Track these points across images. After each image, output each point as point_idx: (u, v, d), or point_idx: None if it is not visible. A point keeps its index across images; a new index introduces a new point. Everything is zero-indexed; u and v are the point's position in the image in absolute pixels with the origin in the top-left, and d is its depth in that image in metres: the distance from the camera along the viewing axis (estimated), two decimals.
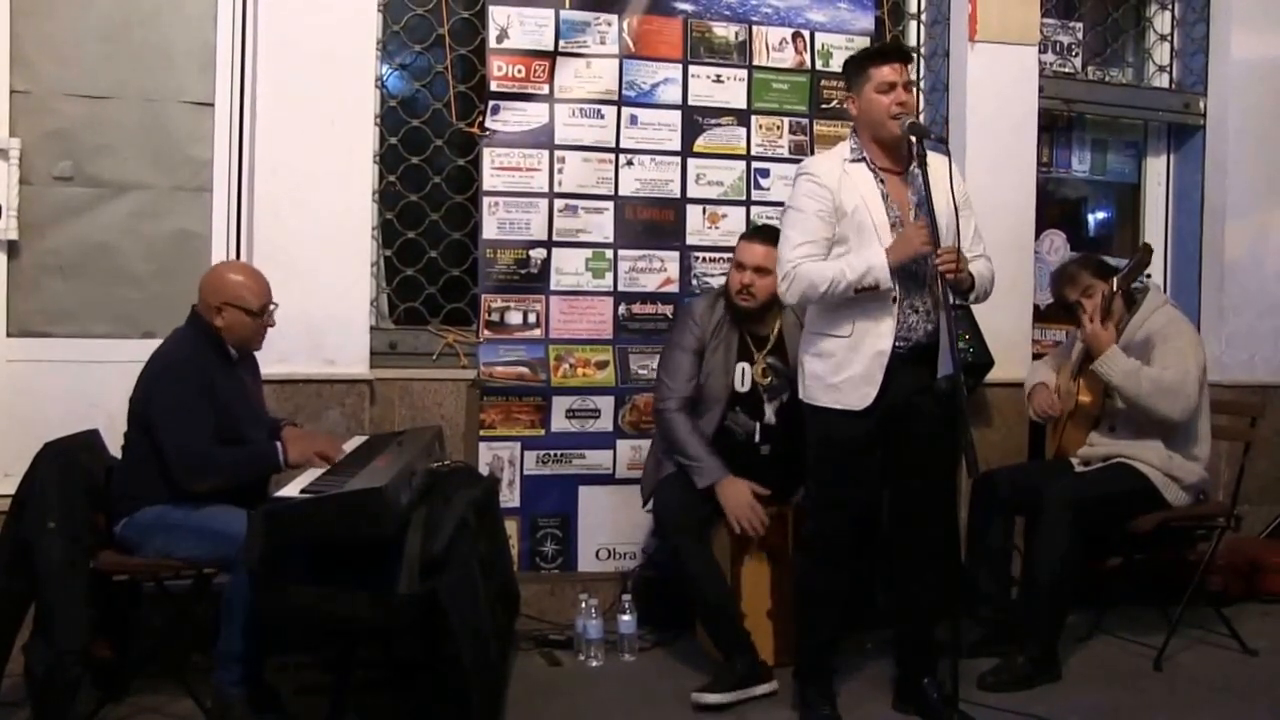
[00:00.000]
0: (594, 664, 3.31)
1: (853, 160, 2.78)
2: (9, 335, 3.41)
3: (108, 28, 3.49)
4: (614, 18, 3.76)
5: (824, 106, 4.00)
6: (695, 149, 3.86)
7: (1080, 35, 4.58)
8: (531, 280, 3.71)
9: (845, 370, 2.72)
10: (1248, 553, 4.07)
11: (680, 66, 3.84)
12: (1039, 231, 4.37)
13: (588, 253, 3.77)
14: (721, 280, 3.49)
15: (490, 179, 3.68)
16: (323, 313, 3.46)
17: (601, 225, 3.78)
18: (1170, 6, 4.69)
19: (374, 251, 3.70)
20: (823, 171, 2.76)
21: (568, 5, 3.70)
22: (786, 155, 3.94)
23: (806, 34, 3.97)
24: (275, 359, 3.38)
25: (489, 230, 3.68)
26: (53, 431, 2.85)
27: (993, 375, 3.96)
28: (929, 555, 2.86)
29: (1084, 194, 4.81)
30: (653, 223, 3.83)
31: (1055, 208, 4.66)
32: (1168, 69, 4.72)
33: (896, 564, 2.92)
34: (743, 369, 3.30)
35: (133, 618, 2.93)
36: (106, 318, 3.50)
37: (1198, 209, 4.64)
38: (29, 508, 2.66)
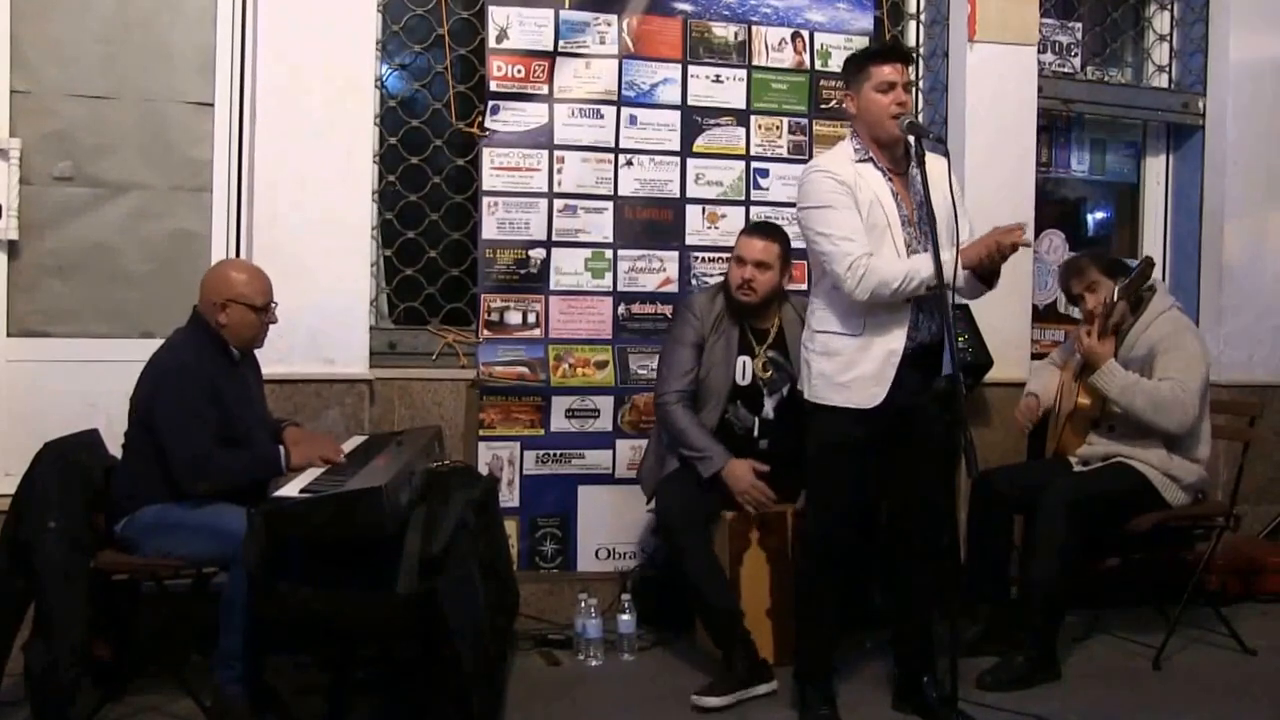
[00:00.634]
0: (593, 664, 3.31)
1: (859, 160, 2.77)
2: (9, 335, 3.41)
3: (108, 28, 3.49)
4: (613, 18, 3.76)
5: (823, 106, 4.00)
6: (694, 149, 3.87)
7: (1079, 35, 4.58)
8: (531, 280, 3.72)
9: (855, 369, 2.71)
10: (1246, 552, 4.07)
11: (679, 66, 3.84)
12: (1038, 231, 4.38)
13: (587, 253, 3.77)
14: (721, 279, 3.49)
15: (490, 179, 3.68)
16: (322, 312, 3.47)
17: (601, 225, 3.78)
18: (1169, 6, 4.70)
19: (374, 251, 3.70)
20: (836, 170, 2.74)
21: (567, 5, 3.71)
22: (786, 155, 3.95)
23: (806, 34, 3.98)
24: (275, 359, 3.38)
25: (488, 230, 3.69)
26: (53, 431, 2.85)
27: (991, 375, 3.96)
28: (928, 555, 2.86)
29: (1083, 194, 4.81)
30: (652, 223, 3.84)
31: (1054, 208, 4.66)
32: (1167, 69, 4.72)
33: (896, 564, 2.92)
34: (743, 363, 3.31)
35: (132, 617, 2.93)
36: (106, 318, 3.50)
37: (1196, 209, 4.65)
38: (29, 507, 2.67)
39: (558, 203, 3.73)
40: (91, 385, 3.37)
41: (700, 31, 3.87)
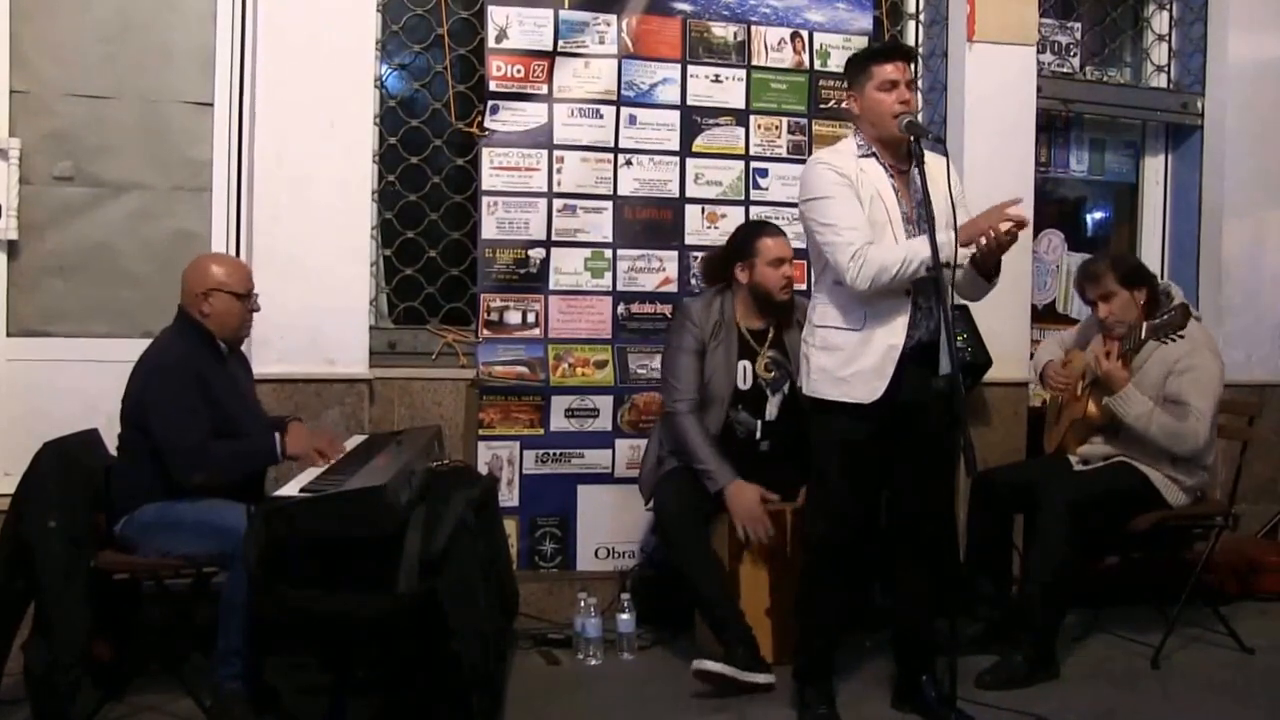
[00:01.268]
0: (593, 663, 3.31)
1: (862, 155, 2.77)
2: (9, 335, 3.42)
3: (108, 28, 3.49)
4: (613, 18, 3.76)
5: (822, 106, 4.01)
6: (694, 149, 3.87)
7: (1078, 35, 4.59)
8: (530, 280, 3.72)
9: (855, 364, 2.71)
10: (1245, 552, 4.08)
11: (679, 66, 3.85)
12: (1037, 231, 4.38)
13: (586, 252, 3.78)
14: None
15: (489, 179, 3.68)
16: (322, 312, 3.47)
17: (600, 225, 3.78)
18: (1168, 7, 4.70)
19: (373, 251, 3.70)
20: (838, 163, 2.74)
21: (567, 5, 3.71)
22: (785, 155, 3.95)
23: (805, 34, 3.98)
24: (274, 358, 3.39)
25: (488, 230, 3.69)
26: (52, 431, 2.86)
27: (991, 375, 3.96)
28: (928, 554, 2.86)
29: (1082, 194, 4.82)
30: (651, 222, 3.84)
31: (1053, 207, 4.66)
32: (1165, 69, 4.72)
33: (895, 563, 2.92)
34: (744, 367, 3.31)
35: (132, 617, 2.93)
36: (106, 317, 3.50)
37: (1195, 209, 4.65)
38: (29, 507, 2.67)
39: (557, 202, 3.73)
40: (91, 385, 3.36)
41: (699, 31, 3.87)
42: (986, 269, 2.73)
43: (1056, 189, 4.72)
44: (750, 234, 3.37)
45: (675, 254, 3.86)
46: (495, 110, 3.68)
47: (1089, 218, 4.86)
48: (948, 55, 4.23)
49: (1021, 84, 4.18)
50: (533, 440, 3.68)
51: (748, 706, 2.96)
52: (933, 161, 2.73)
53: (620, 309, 3.81)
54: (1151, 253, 4.73)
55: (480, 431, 3.63)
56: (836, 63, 3.87)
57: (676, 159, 3.85)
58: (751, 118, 3.93)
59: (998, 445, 4.01)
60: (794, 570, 3.12)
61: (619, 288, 3.80)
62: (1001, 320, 4.00)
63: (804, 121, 3.99)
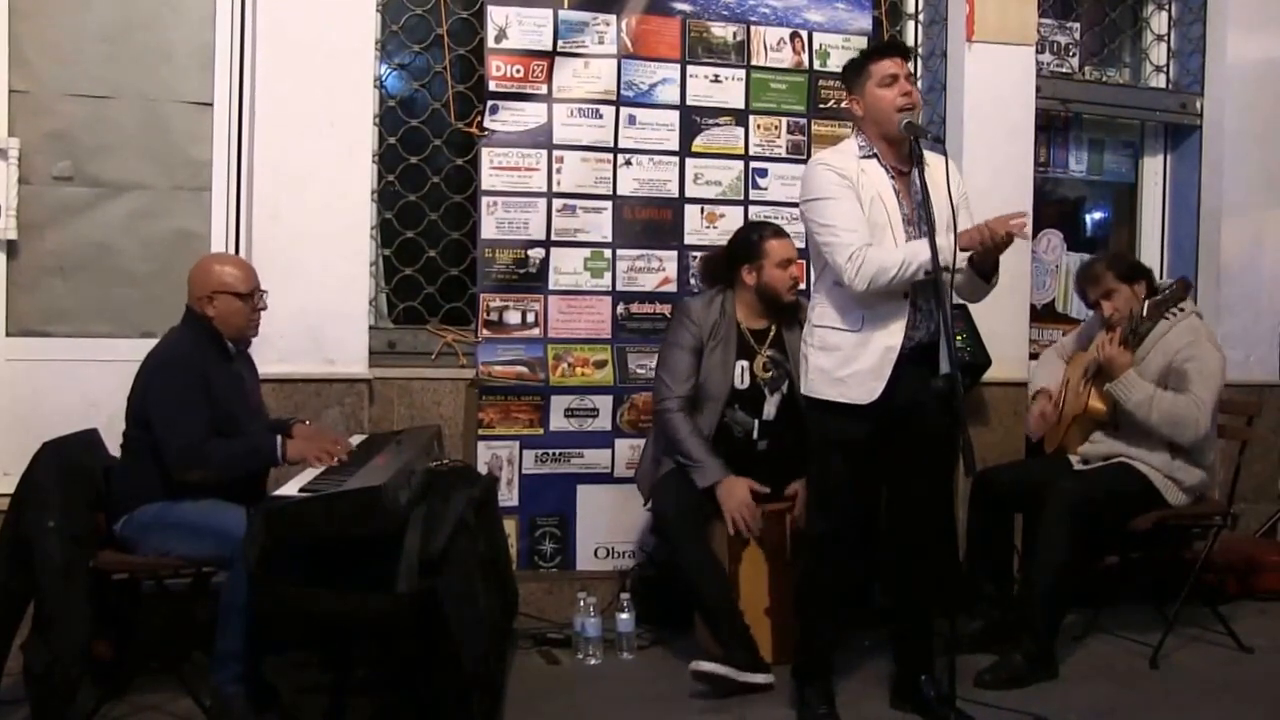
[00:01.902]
0: (592, 662, 3.31)
1: (863, 157, 2.76)
2: (8, 335, 3.42)
3: (107, 28, 3.49)
4: (612, 18, 3.76)
5: (822, 106, 4.01)
6: (693, 149, 3.87)
7: (1077, 35, 4.59)
8: (530, 280, 3.72)
9: (853, 364, 2.71)
10: (1244, 551, 4.08)
11: (678, 66, 3.85)
12: (1036, 231, 4.38)
13: (586, 252, 3.78)
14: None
15: (489, 179, 3.68)
16: (322, 312, 3.47)
17: (600, 225, 3.79)
18: (1167, 7, 4.70)
19: (373, 251, 3.71)
20: (839, 164, 2.74)
21: (566, 5, 3.71)
22: (784, 155, 3.96)
23: (804, 34, 3.98)
24: (275, 358, 3.39)
25: (487, 230, 3.69)
26: (52, 431, 2.86)
27: (990, 375, 3.97)
28: (927, 553, 2.86)
29: (1081, 194, 4.82)
30: (651, 222, 3.84)
31: (1052, 207, 4.67)
32: (1164, 69, 4.73)
33: (895, 562, 2.92)
34: (742, 367, 3.31)
35: (132, 616, 2.93)
36: (106, 317, 3.50)
37: (1194, 209, 4.65)
38: (28, 507, 2.67)
39: (557, 202, 3.73)
40: (91, 385, 3.37)
41: (699, 31, 3.87)
42: (983, 269, 2.73)
43: (1056, 189, 4.72)
44: (757, 236, 3.35)
45: (675, 254, 3.86)
46: (495, 110, 3.68)
47: (1088, 218, 4.86)
48: (947, 55, 4.24)
49: (1021, 84, 4.19)
50: (532, 440, 3.68)
51: (747, 706, 2.96)
52: (934, 162, 2.73)
53: (620, 309, 3.81)
54: (1150, 253, 4.73)
55: (480, 431, 3.63)
56: (836, 63, 3.87)
57: (676, 159, 3.86)
58: (751, 118, 3.93)
59: (997, 445, 4.02)
60: (793, 570, 3.13)
61: (618, 288, 3.81)
62: (1001, 320, 4.00)
63: (803, 121, 3.99)
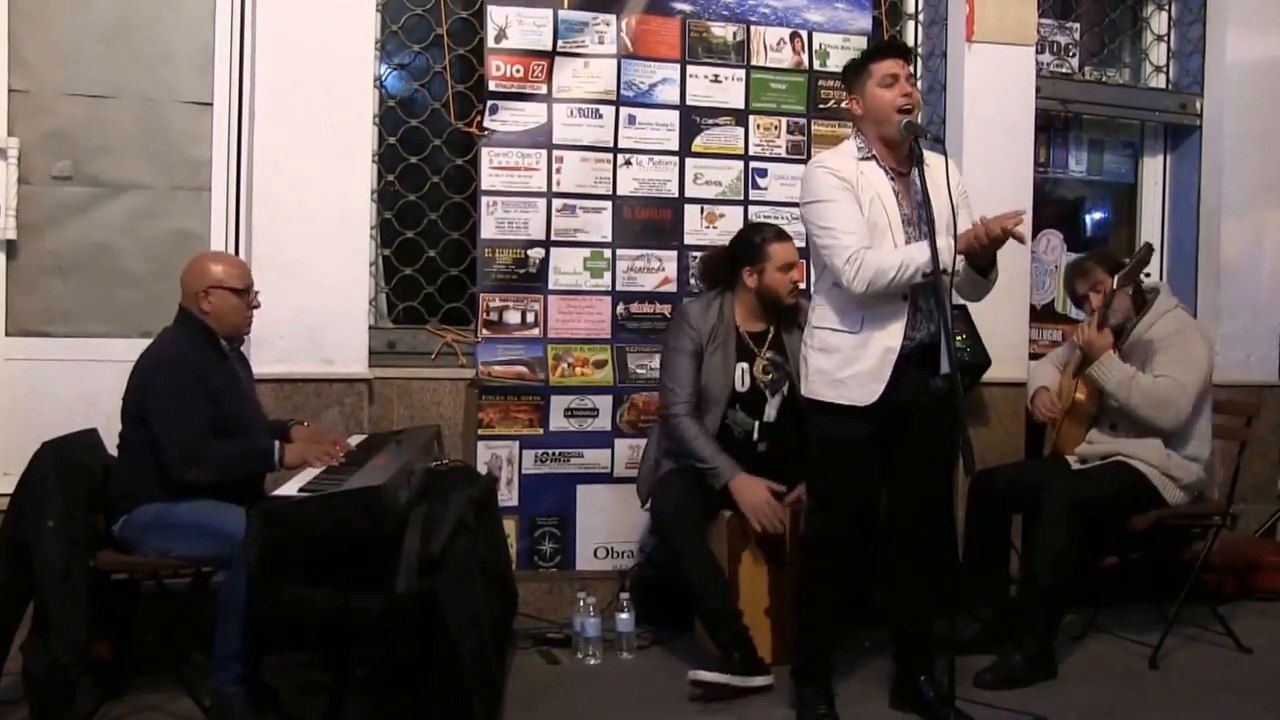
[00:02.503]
0: (592, 662, 3.31)
1: (862, 158, 2.76)
2: (8, 335, 3.42)
3: (107, 28, 3.49)
4: (612, 18, 3.76)
5: (821, 106, 4.01)
6: (693, 149, 3.87)
7: (1077, 36, 4.59)
8: (530, 280, 3.72)
9: (853, 366, 2.71)
10: (1243, 551, 4.09)
11: (678, 66, 3.85)
12: (1036, 231, 4.38)
13: (586, 252, 3.78)
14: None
15: (489, 179, 3.68)
16: (321, 312, 3.47)
17: (600, 225, 3.79)
18: (1167, 7, 4.70)
19: (373, 251, 3.71)
20: (838, 166, 2.74)
21: (566, 5, 3.71)
22: (784, 155, 3.96)
23: (804, 34, 3.98)
24: (274, 358, 3.39)
25: (487, 230, 3.69)
26: (52, 431, 2.86)
27: (990, 375, 3.97)
28: (927, 554, 2.86)
29: (1081, 194, 4.82)
30: (651, 222, 3.84)
31: (1052, 208, 4.67)
32: (1164, 69, 4.73)
33: (894, 562, 2.92)
34: (742, 369, 3.31)
35: (132, 617, 2.93)
36: (105, 317, 3.50)
37: (1194, 209, 4.65)
38: (28, 507, 2.67)
39: (556, 202, 3.73)
40: (91, 385, 3.37)
41: (699, 31, 3.87)
42: (979, 265, 2.73)
43: (1055, 189, 4.72)
44: (759, 238, 3.33)
45: (674, 254, 3.86)
46: (494, 110, 3.68)
47: (1088, 218, 4.86)
48: (947, 55, 4.24)
49: (1020, 84, 4.19)
50: (532, 440, 3.68)
51: (747, 706, 2.96)
52: (934, 162, 2.73)
53: (619, 309, 3.81)
54: None
55: (480, 431, 3.63)
56: (836, 63, 3.87)
57: (676, 159, 3.86)
58: (751, 118, 3.93)
59: (996, 445, 4.02)
60: (793, 570, 3.13)
61: (618, 287, 3.81)
62: (1000, 320, 4.00)
63: (803, 121, 3.99)
